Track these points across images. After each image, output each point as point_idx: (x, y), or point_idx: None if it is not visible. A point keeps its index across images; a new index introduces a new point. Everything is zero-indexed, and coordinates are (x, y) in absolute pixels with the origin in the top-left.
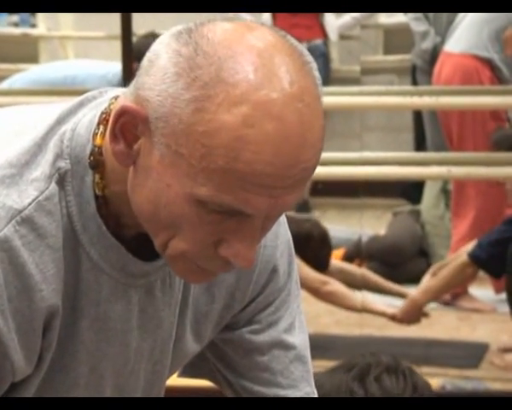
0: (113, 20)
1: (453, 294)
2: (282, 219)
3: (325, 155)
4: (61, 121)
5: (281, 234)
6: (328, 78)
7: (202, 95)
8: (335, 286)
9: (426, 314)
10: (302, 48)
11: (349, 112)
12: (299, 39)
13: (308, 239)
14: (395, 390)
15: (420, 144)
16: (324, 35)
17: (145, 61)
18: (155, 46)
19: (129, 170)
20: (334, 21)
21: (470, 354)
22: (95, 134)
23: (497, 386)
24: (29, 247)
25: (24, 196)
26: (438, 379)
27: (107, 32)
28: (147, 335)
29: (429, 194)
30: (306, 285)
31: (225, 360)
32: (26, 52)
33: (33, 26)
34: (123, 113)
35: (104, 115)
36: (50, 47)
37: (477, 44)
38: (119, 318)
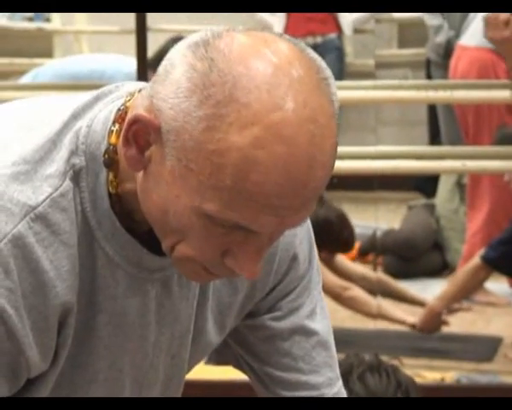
0: (127, 15)
1: None
2: None
3: (340, 149)
4: (76, 116)
5: (301, 226)
6: (342, 72)
7: (214, 113)
8: (356, 292)
9: (445, 322)
10: (320, 62)
11: (364, 106)
12: (314, 33)
13: (327, 225)
14: (379, 388)
15: (434, 138)
16: (339, 29)
17: (161, 69)
18: (172, 55)
19: (141, 179)
20: (348, 15)
21: (484, 348)
22: (110, 132)
23: (511, 380)
24: (43, 243)
25: (38, 192)
26: (453, 373)
27: (121, 27)
28: (164, 329)
29: (444, 188)
30: (328, 290)
31: (247, 347)
32: (41, 47)
33: (48, 20)
34: (136, 121)
35: (120, 113)
36: (65, 41)
37: None
38: (136, 312)
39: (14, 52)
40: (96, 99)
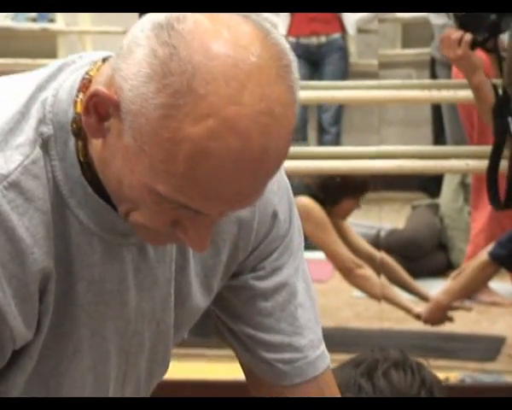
0: (131, 15)
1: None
2: (280, 174)
3: (343, 149)
4: (41, 88)
5: (279, 180)
6: (346, 72)
7: (171, 103)
8: (368, 272)
9: (450, 318)
10: (284, 46)
11: (367, 106)
12: (318, 33)
13: (363, 184)
14: (403, 385)
15: (438, 138)
16: (342, 29)
17: (125, 45)
18: (136, 32)
19: (99, 145)
20: (352, 15)
21: (488, 348)
22: (75, 101)
23: None
24: (18, 211)
25: (10, 161)
26: (457, 373)
27: (125, 27)
28: (144, 293)
29: (448, 187)
30: (340, 264)
31: (229, 309)
32: (45, 47)
33: (52, 21)
34: (96, 95)
35: (84, 81)
36: (69, 42)
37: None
38: (114, 278)
39: (18, 52)
40: (60, 70)
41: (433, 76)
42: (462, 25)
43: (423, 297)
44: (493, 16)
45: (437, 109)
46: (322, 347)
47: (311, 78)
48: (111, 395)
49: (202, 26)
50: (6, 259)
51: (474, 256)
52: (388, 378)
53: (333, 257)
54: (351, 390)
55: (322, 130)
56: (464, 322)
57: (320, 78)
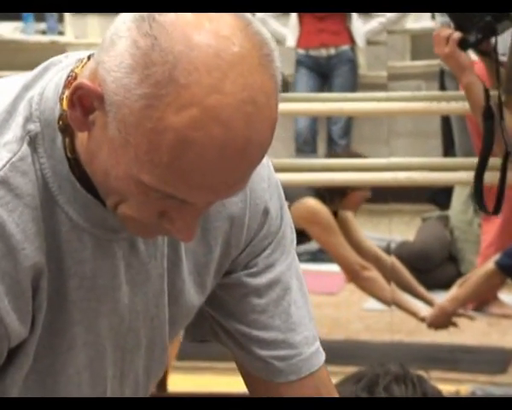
0: None
1: (483, 300)
2: (268, 162)
3: (353, 161)
4: (28, 87)
5: (269, 177)
6: (355, 83)
7: (153, 93)
8: (375, 274)
9: (454, 324)
10: (265, 35)
11: (377, 118)
12: (327, 45)
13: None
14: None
15: (448, 150)
16: (352, 41)
17: (107, 38)
18: (118, 24)
19: (85, 138)
20: (361, 27)
21: (498, 360)
22: (61, 98)
23: None
24: (7, 207)
25: None
26: (468, 385)
27: None
28: (137, 289)
29: (458, 199)
30: (347, 266)
31: (223, 308)
32: None
33: (61, 33)
34: (80, 88)
35: (69, 79)
36: None
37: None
38: (106, 274)
39: (27, 65)
40: (46, 69)
41: (443, 87)
42: (457, 24)
43: (429, 302)
44: (488, 17)
45: (446, 121)
46: (317, 344)
47: (321, 90)
48: (109, 394)
49: (184, 17)
50: None
51: None
52: (389, 393)
53: (339, 259)
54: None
55: (331, 142)
56: (475, 334)
57: (329, 90)
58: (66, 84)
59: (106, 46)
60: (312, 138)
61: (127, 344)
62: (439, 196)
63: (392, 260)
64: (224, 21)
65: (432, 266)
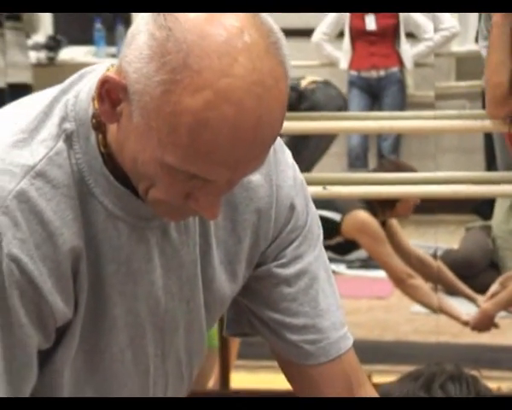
0: None
1: None
2: (293, 163)
3: (402, 175)
4: (64, 92)
5: (295, 177)
6: (404, 103)
7: (170, 79)
8: (419, 282)
9: (496, 325)
10: (271, 25)
11: (424, 135)
12: (377, 67)
13: None
14: (459, 397)
15: (490, 164)
16: (400, 63)
17: (129, 34)
18: (138, 21)
19: (115, 130)
20: (409, 50)
21: None
22: (93, 98)
23: None
24: (45, 197)
25: (35, 154)
26: (509, 383)
27: None
28: (170, 273)
29: (499, 210)
30: (393, 274)
31: (257, 299)
32: None
33: None
34: (106, 81)
35: (98, 84)
36: None
37: None
38: (141, 259)
39: None
40: (81, 76)
41: (485, 106)
42: None
43: (474, 301)
44: None
45: (489, 138)
46: (345, 329)
47: (372, 109)
48: (152, 371)
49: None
50: (39, 241)
51: None
52: (445, 391)
53: (386, 267)
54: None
55: (381, 157)
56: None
57: (380, 109)
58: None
59: (127, 42)
60: (364, 154)
61: (165, 325)
62: (482, 207)
63: (438, 263)
64: (233, 14)
65: (475, 273)
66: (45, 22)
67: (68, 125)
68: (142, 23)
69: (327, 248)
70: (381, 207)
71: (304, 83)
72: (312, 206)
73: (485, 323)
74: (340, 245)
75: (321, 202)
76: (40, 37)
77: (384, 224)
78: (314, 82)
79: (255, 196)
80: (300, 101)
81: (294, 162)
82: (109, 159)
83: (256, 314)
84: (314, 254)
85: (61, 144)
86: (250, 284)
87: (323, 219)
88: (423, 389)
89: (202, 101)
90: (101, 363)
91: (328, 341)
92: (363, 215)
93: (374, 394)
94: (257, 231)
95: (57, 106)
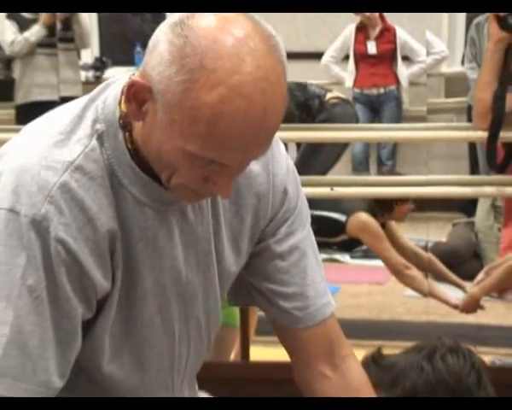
0: None
1: (503, 288)
2: (286, 154)
3: (399, 178)
4: (93, 99)
5: (288, 166)
6: (400, 116)
7: (189, 78)
8: (415, 272)
9: (482, 307)
10: (270, 31)
11: (417, 144)
12: (377, 85)
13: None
14: (457, 367)
15: (474, 169)
16: (397, 82)
17: (150, 44)
18: (158, 32)
19: (141, 126)
20: (405, 71)
21: None
22: (120, 102)
23: None
24: (84, 187)
25: (73, 151)
26: (489, 357)
27: None
28: (189, 248)
29: (481, 209)
30: (392, 266)
31: (256, 272)
32: None
33: None
34: (133, 84)
35: (125, 87)
36: None
37: None
38: (164, 237)
39: None
40: (107, 85)
41: (470, 120)
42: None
43: (461, 287)
44: None
45: (473, 146)
46: (328, 297)
47: (372, 121)
48: (177, 333)
49: (207, 20)
50: (81, 225)
51: None
52: (445, 361)
53: (386, 261)
54: (414, 370)
55: (380, 163)
56: (494, 315)
57: (379, 121)
58: (123, 92)
59: (149, 51)
60: (366, 160)
61: (187, 293)
62: (467, 206)
63: (428, 255)
64: (238, 21)
65: (460, 262)
66: (93, 46)
67: (99, 126)
68: (161, 34)
69: (333, 244)
70: (381, 211)
71: (328, 96)
72: (302, 191)
73: (472, 306)
74: (344, 242)
75: (328, 205)
76: (88, 58)
77: (383, 225)
78: (337, 97)
79: (255, 182)
80: (320, 110)
81: (287, 153)
82: (135, 153)
83: (254, 286)
84: (303, 234)
85: (94, 142)
86: (250, 259)
87: (331, 220)
88: (426, 360)
89: (218, 96)
90: (134, 329)
91: (315, 307)
92: (365, 217)
93: (352, 353)
94: (257, 213)
95: (89, 111)
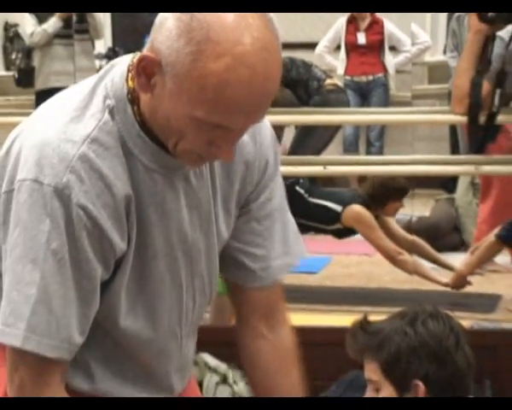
0: None
1: None
2: (270, 128)
3: (386, 158)
4: (101, 78)
5: (272, 135)
6: (387, 101)
7: (197, 50)
8: (407, 257)
9: (469, 282)
10: (267, 14)
11: (403, 126)
12: (367, 73)
13: (385, 183)
14: (437, 331)
15: (454, 149)
16: (385, 70)
17: (157, 22)
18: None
19: (149, 98)
20: (391, 60)
21: (489, 303)
22: (127, 79)
23: (509, 326)
24: (101, 157)
25: (88, 125)
26: (468, 321)
27: None
28: (193, 210)
29: (461, 186)
30: (385, 253)
31: (234, 233)
32: None
33: None
34: (142, 59)
35: (131, 66)
36: None
37: None
38: (171, 200)
39: None
40: (112, 66)
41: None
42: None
43: (448, 267)
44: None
45: (453, 129)
46: (287, 259)
47: (362, 105)
48: (184, 287)
49: None
50: (99, 192)
51: (479, 237)
52: (426, 326)
53: (380, 248)
54: (398, 335)
55: (369, 144)
56: (474, 284)
57: (368, 106)
58: (130, 70)
59: (156, 28)
60: (355, 141)
61: (192, 252)
62: (448, 183)
63: (414, 238)
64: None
65: (442, 235)
66: (106, 37)
67: (109, 102)
68: (168, 12)
69: (328, 231)
70: (374, 205)
71: (327, 81)
72: (279, 159)
73: (461, 282)
74: (338, 230)
75: (327, 195)
76: (102, 48)
77: (377, 217)
78: (334, 85)
79: (244, 151)
80: (317, 93)
81: (269, 124)
82: (143, 125)
83: (230, 245)
84: (279, 200)
85: (106, 116)
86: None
87: (327, 208)
88: (408, 325)
89: (223, 65)
90: (147, 285)
91: (274, 269)
92: (359, 208)
93: (288, 320)
94: (245, 179)
95: (98, 89)
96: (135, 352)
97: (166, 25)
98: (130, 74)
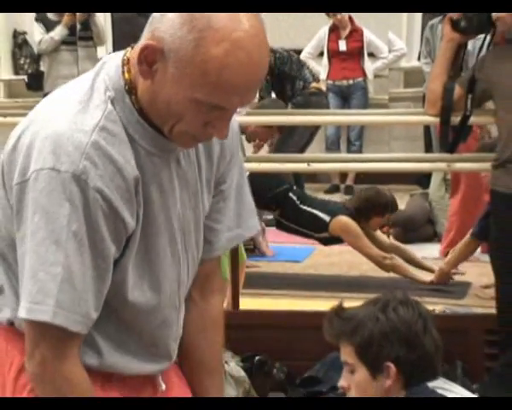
0: None
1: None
2: (237, 122)
3: (365, 156)
4: (97, 73)
5: (236, 126)
6: (366, 103)
7: (199, 36)
8: (394, 261)
9: (452, 278)
10: (256, 14)
11: (381, 127)
12: (347, 78)
13: (373, 198)
14: (407, 316)
15: (428, 148)
16: (364, 74)
17: (157, 15)
18: None
19: (148, 85)
20: (370, 66)
21: (460, 290)
22: (123, 72)
23: (478, 310)
24: (110, 143)
25: (95, 115)
26: (440, 306)
27: None
28: (183, 189)
29: (434, 182)
30: (373, 259)
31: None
32: None
33: None
34: (146, 47)
35: (125, 60)
36: None
37: None
38: (167, 180)
39: None
40: (104, 62)
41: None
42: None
43: (429, 269)
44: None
45: (427, 129)
46: (238, 230)
47: (343, 107)
48: (181, 260)
49: None
50: (112, 175)
51: (450, 229)
52: (397, 312)
53: (367, 255)
54: (371, 321)
55: (349, 143)
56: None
57: (349, 107)
58: (124, 64)
59: (157, 19)
60: (337, 140)
61: (185, 228)
62: (422, 179)
63: (392, 242)
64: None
65: (417, 227)
66: (107, 43)
67: (110, 93)
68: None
69: (315, 238)
70: (359, 218)
71: (313, 84)
72: (243, 144)
73: (444, 278)
74: (325, 238)
75: (317, 204)
76: (103, 53)
77: (363, 228)
78: (318, 89)
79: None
80: (300, 93)
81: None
82: (141, 112)
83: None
84: (240, 180)
85: (110, 106)
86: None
87: (317, 217)
88: (380, 311)
89: (223, 50)
90: (151, 259)
91: (223, 242)
92: (346, 219)
93: (220, 290)
94: (220, 159)
95: (97, 82)
96: (139, 324)
97: (168, 16)
98: (125, 68)
